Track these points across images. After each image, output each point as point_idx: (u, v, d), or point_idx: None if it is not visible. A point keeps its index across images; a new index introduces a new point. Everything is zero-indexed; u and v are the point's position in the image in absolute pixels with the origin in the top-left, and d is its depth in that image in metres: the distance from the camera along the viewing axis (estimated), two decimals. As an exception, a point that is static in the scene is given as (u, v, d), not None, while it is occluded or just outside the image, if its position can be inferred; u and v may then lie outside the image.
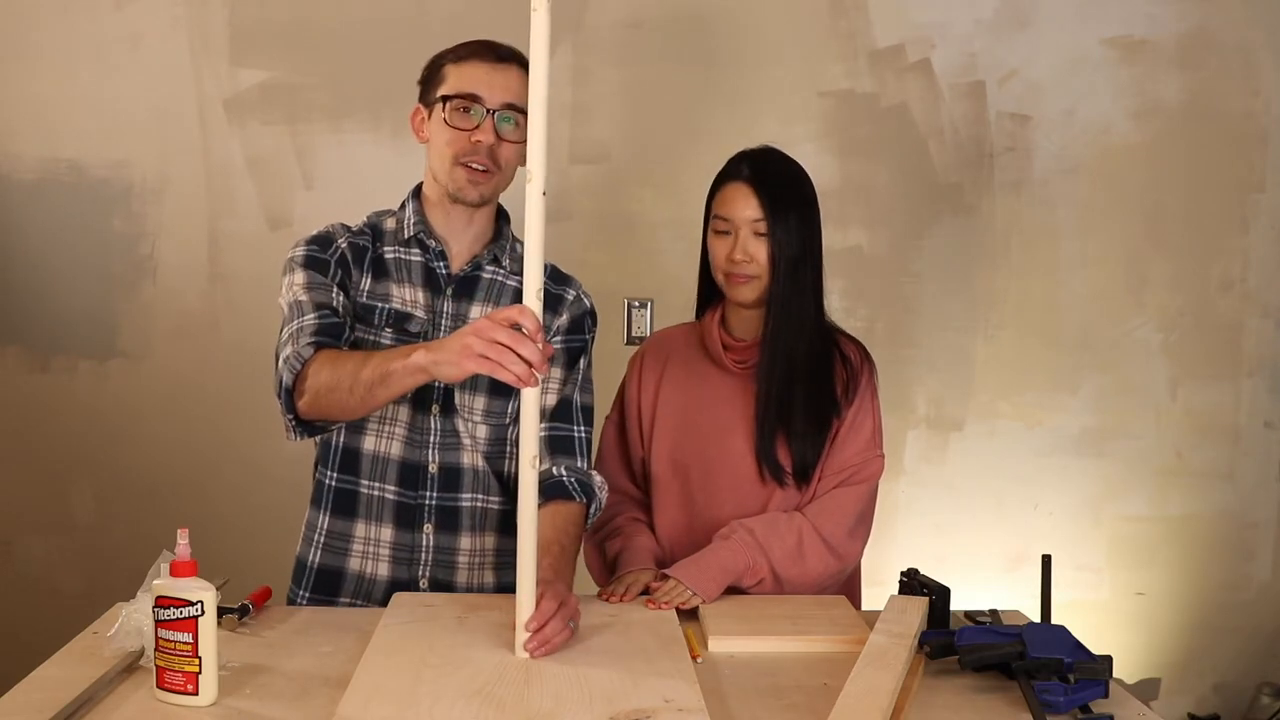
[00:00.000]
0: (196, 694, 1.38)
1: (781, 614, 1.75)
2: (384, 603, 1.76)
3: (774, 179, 1.94)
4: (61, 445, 2.95)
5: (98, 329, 2.93)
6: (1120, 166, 3.00)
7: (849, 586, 2.02)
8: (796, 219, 1.92)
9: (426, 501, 1.86)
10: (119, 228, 2.92)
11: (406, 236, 1.89)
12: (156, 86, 2.89)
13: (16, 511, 2.96)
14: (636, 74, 2.93)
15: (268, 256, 2.43)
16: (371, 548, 1.86)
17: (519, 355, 1.45)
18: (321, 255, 1.84)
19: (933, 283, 3.01)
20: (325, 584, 1.88)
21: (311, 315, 1.76)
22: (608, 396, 2.11)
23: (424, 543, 1.86)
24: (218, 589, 1.41)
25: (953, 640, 1.54)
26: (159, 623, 1.38)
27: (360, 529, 1.86)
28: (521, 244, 1.49)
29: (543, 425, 1.84)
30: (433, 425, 1.86)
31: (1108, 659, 1.46)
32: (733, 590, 1.86)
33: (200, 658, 1.37)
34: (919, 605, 1.70)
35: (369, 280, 1.87)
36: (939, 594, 1.73)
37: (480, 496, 1.88)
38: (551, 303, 1.89)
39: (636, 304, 2.97)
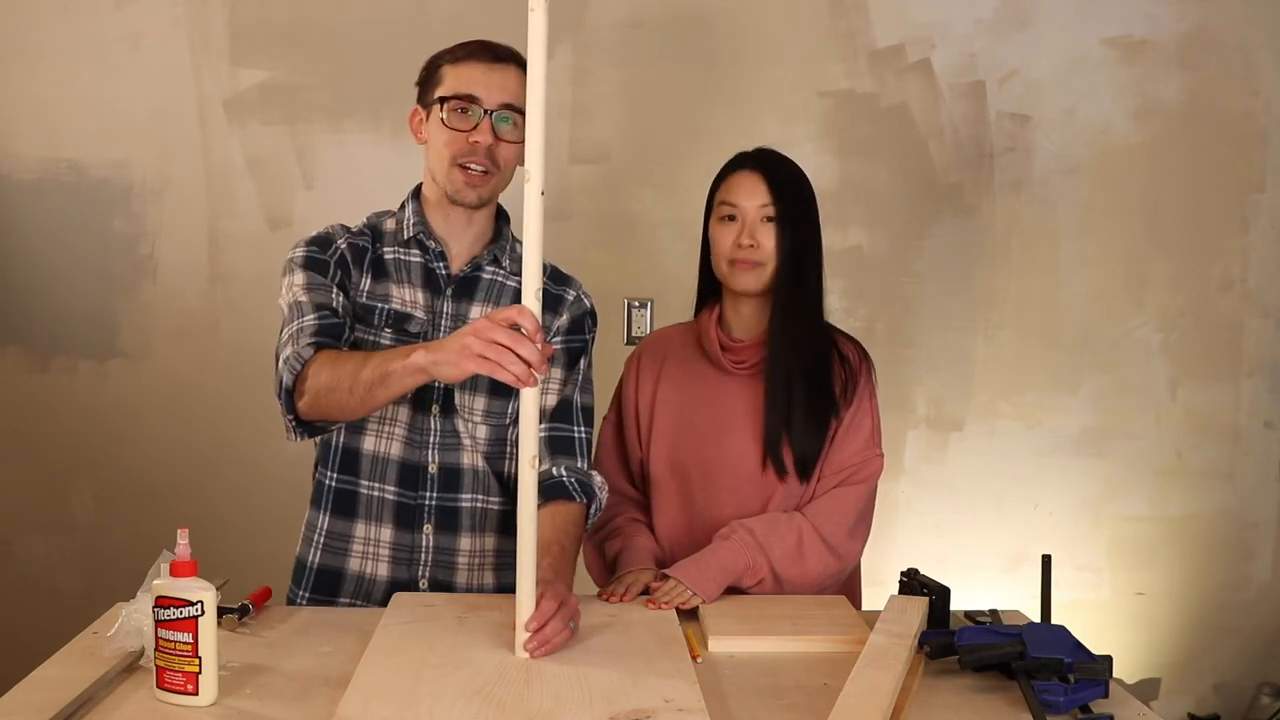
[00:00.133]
0: (196, 694, 1.38)
1: (781, 614, 1.75)
2: (383, 603, 1.76)
3: (781, 170, 1.97)
4: (61, 445, 2.95)
5: (98, 329, 2.93)
6: (1120, 166, 3.00)
7: (849, 586, 2.02)
8: (801, 211, 1.95)
9: (426, 502, 1.86)
10: (119, 228, 2.92)
11: (406, 237, 1.89)
12: (156, 86, 2.89)
13: (16, 511, 2.96)
14: (636, 74, 2.93)
15: (268, 256, 2.43)
16: (371, 548, 1.86)
17: (518, 355, 1.45)
18: (321, 256, 1.85)
19: (933, 283, 3.01)
20: (325, 584, 1.88)
21: (311, 316, 1.76)
22: (607, 397, 2.11)
23: (424, 543, 1.86)
24: (218, 589, 1.41)
25: (953, 640, 1.54)
26: (159, 623, 1.38)
27: (360, 529, 1.86)
28: (521, 244, 1.49)
29: (543, 425, 1.84)
30: (432, 425, 1.86)
31: (1108, 659, 1.46)
32: (733, 590, 1.86)
33: (200, 658, 1.37)
34: (919, 605, 1.70)
35: (368, 281, 1.87)
36: (939, 594, 1.73)
37: (480, 497, 1.88)
38: (551, 303, 1.89)
39: (636, 304, 2.97)
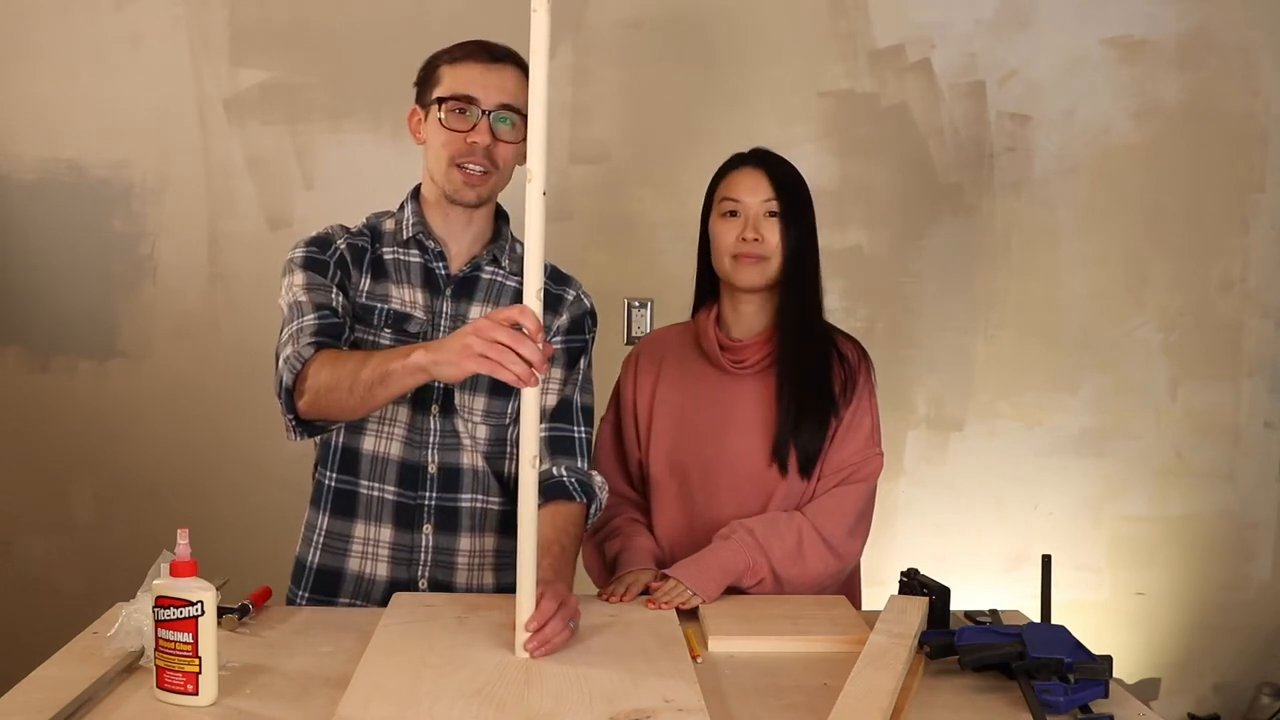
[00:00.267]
0: (196, 694, 1.38)
1: (781, 614, 1.75)
2: (383, 603, 1.76)
3: (781, 168, 1.98)
4: (61, 445, 2.95)
5: (98, 329, 2.93)
6: (1120, 166, 3.00)
7: (849, 586, 2.02)
8: (802, 208, 1.96)
9: (426, 502, 1.86)
10: (119, 228, 2.92)
11: (405, 237, 1.89)
12: (156, 86, 2.89)
13: (16, 511, 2.96)
14: (636, 74, 2.93)
15: (268, 256, 2.42)
16: (371, 548, 1.86)
17: (519, 355, 1.45)
18: (320, 256, 1.85)
19: (933, 283, 3.01)
20: (324, 584, 1.88)
21: (311, 316, 1.76)
22: (607, 397, 2.11)
23: (423, 543, 1.86)
24: (218, 589, 1.41)
25: (953, 640, 1.54)
26: (159, 623, 1.38)
27: (359, 529, 1.86)
28: (521, 244, 1.49)
29: (543, 425, 1.84)
30: (432, 425, 1.85)
31: (1108, 659, 1.46)
32: (733, 590, 1.86)
33: (200, 658, 1.37)
34: (919, 605, 1.70)
35: (368, 281, 1.87)
36: (939, 594, 1.73)
37: (480, 497, 1.88)
38: (551, 303, 1.89)
39: (636, 304, 2.97)
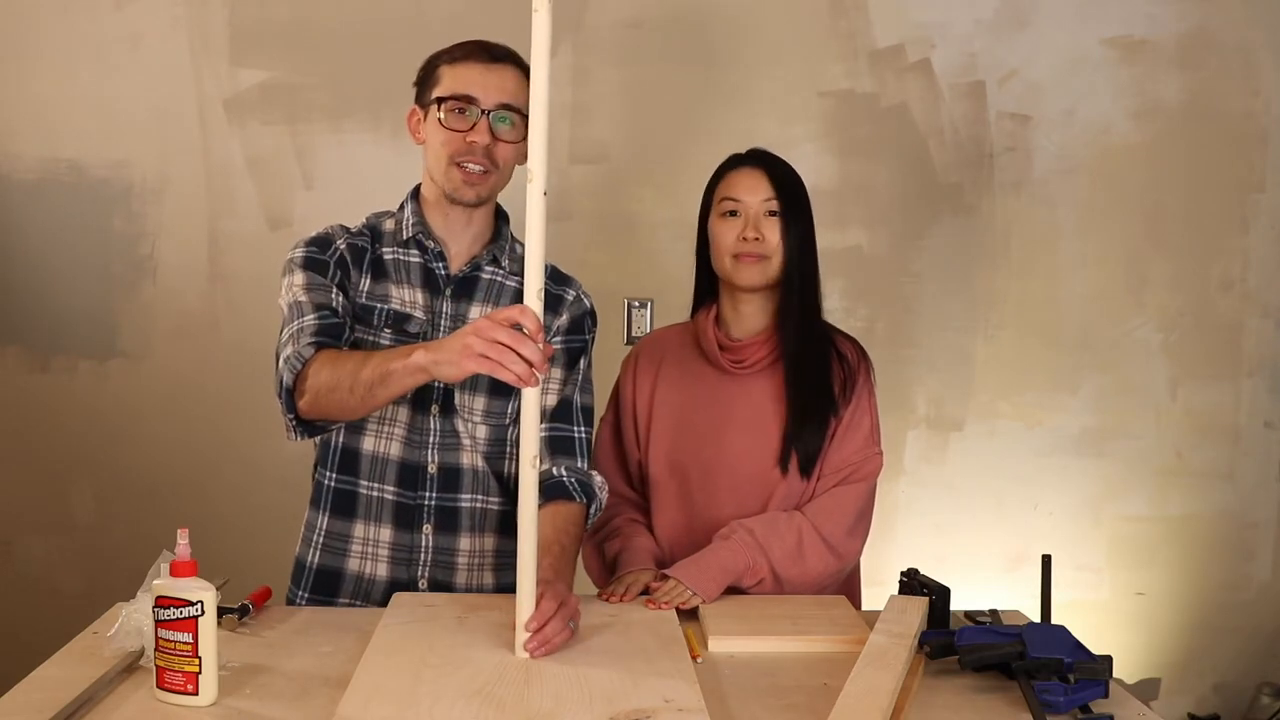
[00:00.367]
0: (196, 694, 1.38)
1: (781, 614, 1.75)
2: (383, 603, 1.76)
3: (780, 168, 1.98)
4: (61, 445, 2.95)
5: (98, 329, 2.93)
6: (1120, 166, 3.00)
7: (849, 586, 2.02)
8: (801, 208, 1.96)
9: (426, 502, 1.86)
10: (119, 228, 2.92)
11: (405, 237, 1.89)
12: (156, 86, 2.89)
13: (16, 511, 2.96)
14: (636, 74, 2.93)
15: (268, 256, 2.42)
16: (370, 548, 1.86)
17: (519, 355, 1.45)
18: (320, 256, 1.85)
19: (933, 283, 3.01)
20: (324, 584, 1.88)
21: (311, 316, 1.76)
22: (607, 397, 2.11)
23: (423, 543, 1.86)
24: (218, 589, 1.41)
25: (953, 640, 1.54)
26: (159, 623, 1.38)
27: (359, 529, 1.86)
28: (521, 244, 1.49)
29: (543, 426, 1.84)
30: (432, 425, 1.85)
31: (1108, 659, 1.46)
32: (733, 590, 1.86)
33: (200, 658, 1.37)
34: (919, 605, 1.70)
35: (368, 281, 1.87)
36: (939, 594, 1.73)
37: (480, 497, 1.88)
38: (551, 303, 1.89)
39: (636, 304, 2.97)
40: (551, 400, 1.88)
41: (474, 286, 1.89)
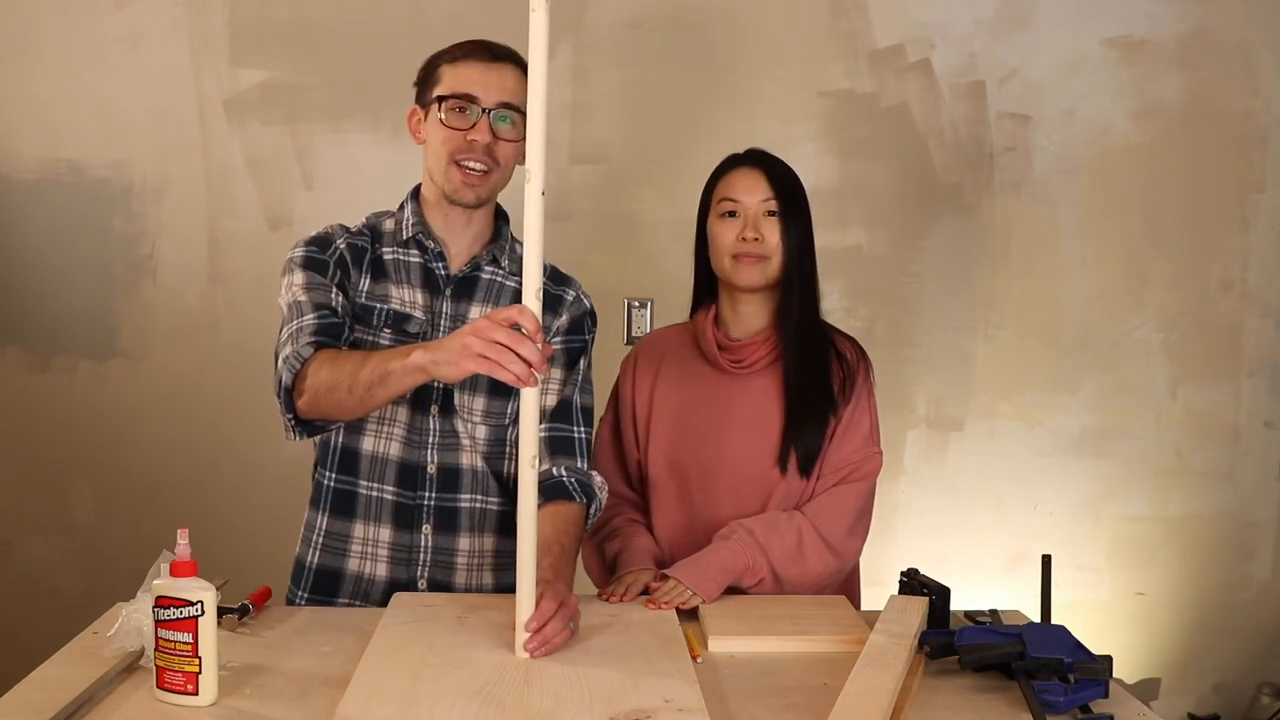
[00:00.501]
0: (196, 694, 1.38)
1: (781, 614, 1.75)
2: (382, 603, 1.76)
3: (778, 168, 1.98)
4: (61, 445, 2.95)
5: (98, 329, 2.93)
6: (1120, 166, 3.00)
7: (848, 586, 2.02)
8: (800, 208, 1.96)
9: (425, 502, 1.86)
10: (119, 228, 2.92)
11: (405, 237, 1.89)
12: (156, 86, 2.89)
13: (16, 511, 2.96)
14: (636, 74, 2.93)
15: (268, 256, 2.42)
16: (370, 548, 1.86)
17: (518, 355, 1.45)
18: (320, 256, 1.85)
19: (933, 283, 3.01)
20: (324, 585, 1.88)
21: (311, 315, 1.76)
22: (607, 397, 2.11)
23: (422, 543, 1.86)
24: (218, 589, 1.41)
25: (953, 640, 1.54)
26: (159, 623, 1.38)
27: (359, 529, 1.86)
28: (521, 244, 1.49)
29: (542, 426, 1.84)
30: (431, 426, 1.85)
31: (1108, 659, 1.46)
32: (733, 590, 1.86)
33: (200, 658, 1.37)
34: (919, 605, 1.70)
35: (368, 281, 1.87)
36: (939, 594, 1.73)
37: (479, 497, 1.87)
38: (551, 303, 1.89)
39: (636, 304, 2.97)
40: (551, 400, 1.88)
41: (474, 287, 1.89)
